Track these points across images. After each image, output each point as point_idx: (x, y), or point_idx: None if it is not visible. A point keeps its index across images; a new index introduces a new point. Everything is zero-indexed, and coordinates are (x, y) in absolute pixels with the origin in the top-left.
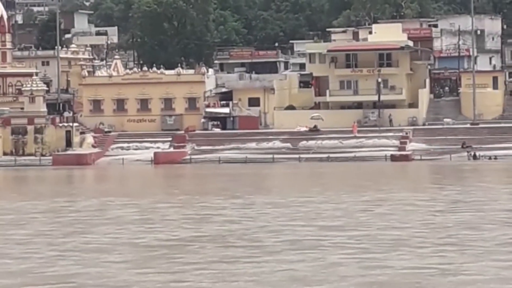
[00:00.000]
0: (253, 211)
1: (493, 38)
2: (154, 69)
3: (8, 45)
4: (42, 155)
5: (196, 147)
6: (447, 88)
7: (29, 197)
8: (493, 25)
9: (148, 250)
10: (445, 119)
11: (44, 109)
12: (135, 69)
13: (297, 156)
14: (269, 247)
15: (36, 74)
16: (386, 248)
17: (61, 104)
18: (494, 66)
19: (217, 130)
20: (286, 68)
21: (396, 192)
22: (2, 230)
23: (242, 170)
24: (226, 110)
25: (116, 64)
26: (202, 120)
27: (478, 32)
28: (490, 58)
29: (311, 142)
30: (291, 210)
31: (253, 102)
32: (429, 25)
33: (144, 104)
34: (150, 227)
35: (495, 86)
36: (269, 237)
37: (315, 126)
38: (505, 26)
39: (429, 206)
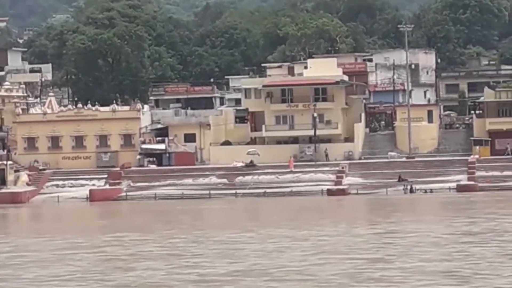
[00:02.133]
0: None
1: (427, 72)
2: (89, 106)
3: None
4: None
5: (132, 184)
6: (383, 122)
7: None
8: (427, 59)
9: None
10: (389, 153)
11: None
12: (70, 106)
13: (233, 191)
14: None
15: None
16: None
17: None
18: (429, 100)
19: (153, 167)
20: (221, 103)
21: (319, 226)
22: None
23: (177, 206)
24: (162, 146)
25: (50, 101)
26: (138, 156)
27: (413, 66)
28: (425, 92)
29: (248, 178)
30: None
31: (189, 138)
32: (364, 60)
33: (79, 141)
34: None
35: (430, 120)
36: None
37: (251, 162)
38: (439, 60)
39: (361, 243)
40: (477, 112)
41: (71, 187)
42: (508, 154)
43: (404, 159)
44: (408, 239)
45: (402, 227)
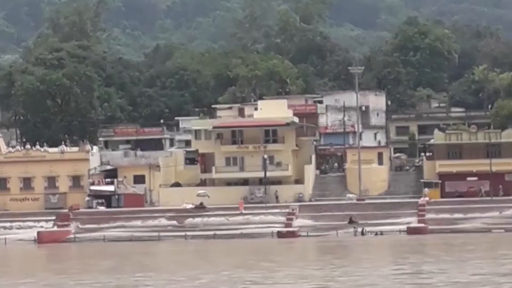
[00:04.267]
0: None
1: (377, 114)
2: (38, 147)
3: None
4: None
5: (80, 226)
6: (336, 164)
7: None
8: (377, 101)
9: None
10: (348, 195)
11: None
12: (18, 147)
13: (183, 233)
14: None
15: None
16: None
17: None
18: (379, 142)
19: (102, 208)
20: (171, 145)
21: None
22: None
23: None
24: (111, 187)
25: None
26: (87, 198)
27: (363, 108)
28: (375, 134)
29: (198, 220)
30: None
31: (139, 179)
32: (315, 101)
33: (27, 182)
34: None
35: (380, 162)
36: None
37: (201, 203)
38: (389, 102)
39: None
40: (427, 154)
41: (18, 229)
42: (482, 196)
43: (354, 201)
44: (349, 283)
45: (347, 269)
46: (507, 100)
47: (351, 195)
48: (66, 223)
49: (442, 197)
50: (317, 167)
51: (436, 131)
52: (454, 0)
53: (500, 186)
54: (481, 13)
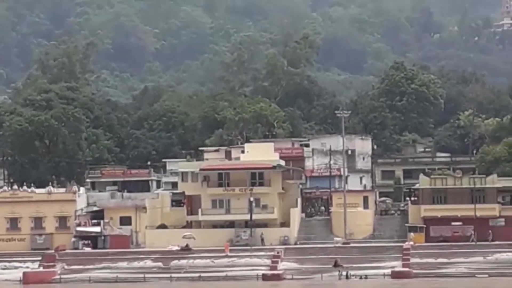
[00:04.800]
0: None
1: (363, 158)
2: (25, 187)
3: None
4: None
5: (66, 267)
6: (323, 207)
7: None
8: (363, 145)
9: None
10: (335, 238)
11: None
12: (5, 187)
13: (168, 275)
14: None
15: None
16: None
17: None
18: (365, 186)
19: (88, 249)
20: (158, 186)
21: None
22: None
23: None
24: (97, 229)
25: None
26: (73, 239)
27: (349, 152)
28: (361, 178)
29: (183, 261)
30: None
31: (125, 221)
32: (301, 145)
33: (13, 223)
34: None
35: (365, 206)
36: None
37: (187, 245)
38: (375, 146)
39: None
40: (412, 198)
41: (4, 269)
42: (473, 241)
43: (339, 245)
44: None
45: None
46: (492, 145)
47: (338, 239)
48: (52, 263)
49: (426, 241)
50: (303, 210)
51: (421, 175)
52: (441, 46)
53: (490, 231)
54: (467, 59)
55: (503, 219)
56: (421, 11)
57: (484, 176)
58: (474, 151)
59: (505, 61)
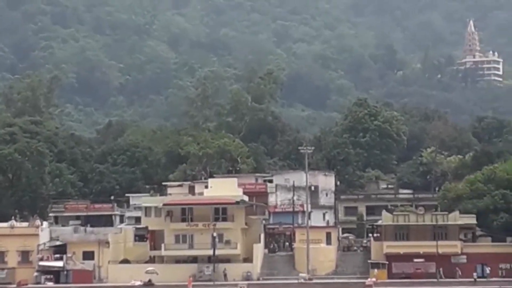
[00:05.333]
0: None
1: (326, 194)
2: None
3: None
4: None
5: None
6: (287, 243)
7: None
8: (326, 181)
9: None
10: (300, 274)
11: None
12: None
13: None
14: None
15: None
16: None
17: None
18: (328, 222)
19: (50, 284)
20: (121, 221)
21: None
22: None
23: None
24: (60, 263)
25: None
26: (35, 273)
27: (312, 188)
28: (324, 214)
29: None
30: None
31: (88, 255)
32: (264, 180)
33: None
34: None
35: (328, 242)
36: None
37: (149, 280)
38: (338, 183)
39: None
40: (375, 235)
41: None
42: (441, 277)
43: (302, 281)
44: None
45: None
46: (454, 183)
47: (303, 275)
48: None
49: (389, 278)
50: (266, 246)
51: (384, 212)
52: (404, 83)
53: (457, 268)
54: (430, 96)
55: (464, 256)
56: (385, 48)
57: (446, 213)
58: (437, 188)
59: (468, 99)
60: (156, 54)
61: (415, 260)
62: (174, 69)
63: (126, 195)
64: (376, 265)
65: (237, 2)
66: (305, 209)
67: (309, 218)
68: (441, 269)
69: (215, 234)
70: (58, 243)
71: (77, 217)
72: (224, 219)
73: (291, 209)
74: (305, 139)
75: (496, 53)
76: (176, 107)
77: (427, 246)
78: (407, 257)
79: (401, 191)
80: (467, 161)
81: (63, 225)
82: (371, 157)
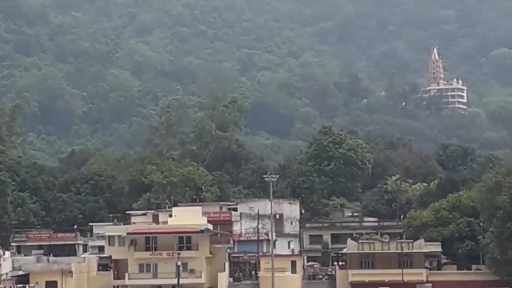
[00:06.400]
0: None
1: (291, 222)
2: None
3: None
4: None
5: None
6: (252, 272)
7: None
8: (291, 210)
9: None
10: None
11: None
12: None
13: None
14: None
15: None
16: None
17: None
18: (293, 250)
19: None
20: (85, 250)
21: None
22: None
23: None
24: None
25: None
26: None
27: (277, 216)
28: (289, 242)
29: None
30: None
31: (51, 285)
32: (229, 209)
33: None
34: None
35: (293, 270)
36: None
37: None
38: (303, 211)
39: None
40: (340, 263)
41: None
42: None
43: None
44: None
45: None
46: (419, 210)
47: None
48: None
49: None
50: (231, 275)
51: (349, 240)
52: (368, 111)
53: None
54: (395, 124)
55: (430, 284)
56: (349, 76)
57: (412, 241)
58: (402, 216)
59: (432, 127)
60: (120, 82)
61: None
62: (138, 97)
63: (90, 224)
64: None
65: (200, 30)
66: (270, 237)
67: (274, 246)
68: None
69: (179, 263)
70: (20, 272)
71: (40, 247)
72: (189, 248)
73: (255, 238)
74: (270, 167)
75: (460, 81)
76: (139, 135)
77: (392, 274)
78: (373, 286)
79: (366, 219)
80: (432, 189)
81: (25, 255)
82: (336, 185)
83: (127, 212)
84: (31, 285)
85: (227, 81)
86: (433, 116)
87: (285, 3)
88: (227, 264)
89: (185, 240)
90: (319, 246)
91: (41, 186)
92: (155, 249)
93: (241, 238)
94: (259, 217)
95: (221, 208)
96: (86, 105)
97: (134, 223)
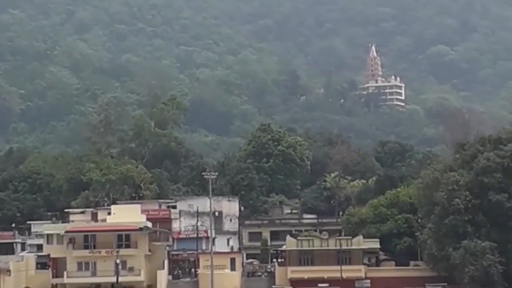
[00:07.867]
0: None
1: (231, 220)
2: None
3: None
4: None
5: None
6: (191, 270)
7: None
8: (230, 207)
9: None
10: None
11: None
12: None
13: None
14: None
15: None
16: None
17: None
18: (232, 248)
19: None
20: (23, 249)
21: None
22: None
23: None
24: None
25: None
26: None
27: (216, 213)
28: (228, 240)
29: None
30: None
31: None
32: (168, 206)
33: None
34: None
35: (233, 268)
36: None
37: None
38: (242, 208)
39: None
40: (279, 260)
41: None
42: None
43: None
44: None
45: None
46: (357, 207)
47: None
48: None
49: None
50: (170, 272)
51: (288, 237)
52: (307, 108)
53: None
54: (333, 121)
55: (368, 281)
56: (288, 73)
57: (350, 237)
58: (340, 213)
59: (370, 124)
60: (58, 80)
61: (320, 285)
62: (76, 95)
63: (28, 222)
64: None
65: (139, 27)
66: (209, 235)
67: (213, 244)
68: None
69: (118, 261)
70: None
71: None
72: (128, 246)
73: (195, 235)
74: (209, 164)
75: (398, 78)
76: (78, 133)
77: (331, 271)
78: (312, 282)
79: (305, 216)
80: (370, 186)
81: None
82: (275, 182)
83: (66, 210)
84: None
85: (166, 78)
86: (372, 113)
87: (223, 1)
88: (166, 262)
89: (124, 238)
90: (258, 243)
91: None
92: (94, 247)
93: (180, 236)
94: (198, 214)
95: (160, 205)
96: (24, 103)
97: (72, 221)
